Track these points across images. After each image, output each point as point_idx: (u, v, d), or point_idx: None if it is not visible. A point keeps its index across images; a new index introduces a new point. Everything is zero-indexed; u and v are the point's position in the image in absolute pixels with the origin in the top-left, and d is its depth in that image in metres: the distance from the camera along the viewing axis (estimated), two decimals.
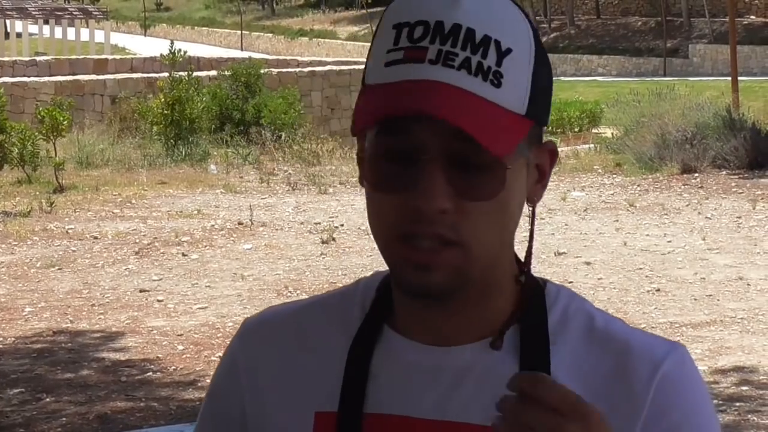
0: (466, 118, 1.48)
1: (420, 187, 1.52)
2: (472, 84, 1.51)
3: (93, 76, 32.44)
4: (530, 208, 1.65)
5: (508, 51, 1.53)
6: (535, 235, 1.67)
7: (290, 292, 12.03)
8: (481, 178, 1.54)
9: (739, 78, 26.08)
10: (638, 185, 19.34)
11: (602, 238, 15.01)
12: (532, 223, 1.66)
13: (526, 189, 1.62)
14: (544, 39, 55.87)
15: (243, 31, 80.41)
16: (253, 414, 1.78)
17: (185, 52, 27.06)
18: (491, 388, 1.62)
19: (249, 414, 1.78)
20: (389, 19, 1.57)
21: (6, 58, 43.27)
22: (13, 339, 10.62)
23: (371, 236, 1.59)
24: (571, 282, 12.20)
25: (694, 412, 1.66)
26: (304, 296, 11.69)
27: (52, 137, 20.49)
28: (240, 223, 16.10)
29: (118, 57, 44.87)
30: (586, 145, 25.21)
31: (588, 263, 13.43)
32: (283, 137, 24.87)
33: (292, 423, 1.73)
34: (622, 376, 1.66)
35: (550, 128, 30.98)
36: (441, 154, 1.53)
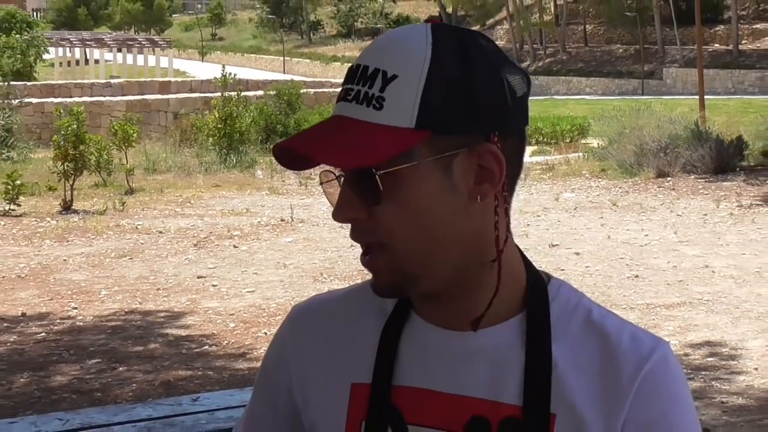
0: (323, 148, 1.58)
1: (337, 202, 1.62)
2: (358, 111, 1.57)
3: (158, 96, 32.55)
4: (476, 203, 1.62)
5: (393, 77, 1.57)
6: (508, 227, 1.65)
7: (325, 278, 12.05)
8: (366, 185, 1.58)
9: (706, 97, 26.10)
10: (620, 188, 19.32)
11: (589, 232, 14.99)
12: (497, 216, 1.63)
13: (461, 188, 1.61)
14: (540, 63, 56.72)
15: (285, 57, 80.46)
16: (298, 384, 1.80)
17: (235, 75, 27.12)
18: (500, 369, 1.66)
19: (295, 384, 1.80)
20: None
21: (85, 81, 43.38)
22: (91, 317, 10.64)
23: None
24: (563, 270, 12.21)
25: (674, 405, 1.66)
26: (337, 282, 11.94)
27: (123, 147, 20.55)
28: (282, 220, 16.11)
29: (179, 79, 44.91)
30: (576, 154, 25.16)
31: (577, 253, 13.40)
32: None
33: (331, 392, 1.75)
34: (612, 368, 1.65)
35: (545, 138, 31.07)
36: (347, 175, 1.61)
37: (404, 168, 1.55)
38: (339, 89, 1.63)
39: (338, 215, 1.61)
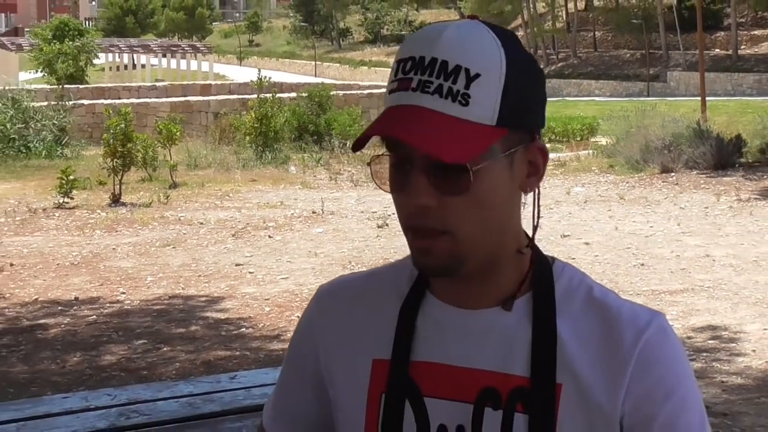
0: (428, 140, 1.53)
1: (409, 189, 1.58)
2: (443, 105, 1.55)
3: (199, 98, 32.57)
4: (532, 194, 1.66)
5: (477, 75, 1.55)
6: (540, 216, 1.67)
7: (353, 265, 12.04)
8: (451, 178, 1.56)
9: (707, 98, 26.02)
10: (627, 182, 19.27)
11: (598, 224, 14.96)
12: (536, 206, 1.67)
13: (516, 181, 1.63)
14: (552, 67, 56.41)
15: (316, 62, 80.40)
16: (324, 358, 1.81)
17: (270, 78, 27.09)
18: (509, 343, 1.67)
19: (321, 358, 1.81)
20: (396, 57, 1.62)
21: (133, 84, 43.47)
22: (138, 302, 10.68)
23: None
24: (573, 258, 12.16)
25: (673, 370, 1.66)
26: (364, 269, 11.74)
27: (167, 145, 20.56)
28: (313, 212, 16.11)
29: (219, 82, 44.93)
30: (586, 151, 25.08)
31: (587, 243, 13.37)
32: (347, 144, 24.88)
33: (354, 367, 1.76)
34: (613, 339, 1.66)
35: (557, 137, 31.00)
36: (423, 162, 1.56)
37: (488, 164, 1.56)
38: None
39: (413, 200, 1.58)
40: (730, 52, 58.15)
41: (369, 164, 1.66)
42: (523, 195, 1.66)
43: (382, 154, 1.62)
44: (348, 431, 1.78)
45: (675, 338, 1.69)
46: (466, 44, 1.58)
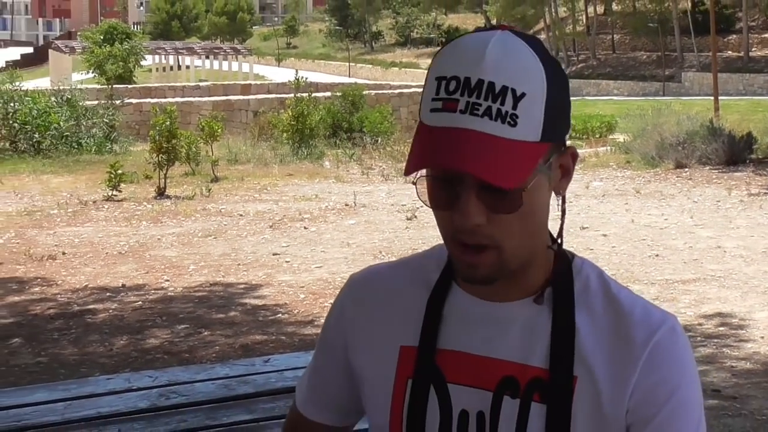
0: (485, 167, 1.50)
1: (459, 208, 1.55)
2: (493, 128, 1.51)
3: (240, 97, 32.66)
4: (558, 197, 1.66)
5: (522, 95, 1.52)
6: (566, 216, 1.67)
7: (383, 255, 12.03)
8: (505, 198, 1.54)
9: (719, 98, 25.90)
10: (643, 177, 19.17)
11: (615, 216, 14.89)
12: (563, 208, 1.66)
13: (552, 187, 1.62)
14: (573, 68, 56.28)
15: (350, 63, 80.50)
16: (353, 345, 1.82)
17: (306, 79, 27.17)
18: (531, 334, 1.67)
19: (350, 343, 1.82)
20: (433, 72, 1.57)
21: (178, 84, 43.60)
22: (181, 288, 10.70)
23: None
24: (591, 249, 12.14)
25: (679, 370, 1.65)
26: (394, 258, 11.81)
27: (209, 141, 20.63)
28: (346, 205, 16.10)
29: (258, 83, 45.01)
30: (605, 148, 25.05)
31: (605, 235, 13.30)
32: (379, 141, 24.91)
33: (382, 352, 1.76)
34: (625, 336, 1.65)
35: (577, 134, 30.91)
36: (473, 182, 1.53)
37: (536, 179, 1.55)
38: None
39: (466, 221, 1.55)
40: (741, 53, 58.00)
41: (414, 183, 1.62)
42: (565, 194, 1.66)
43: (428, 175, 1.58)
44: (375, 413, 1.78)
45: (684, 341, 1.68)
46: (510, 64, 1.54)
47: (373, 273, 1.87)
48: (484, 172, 1.49)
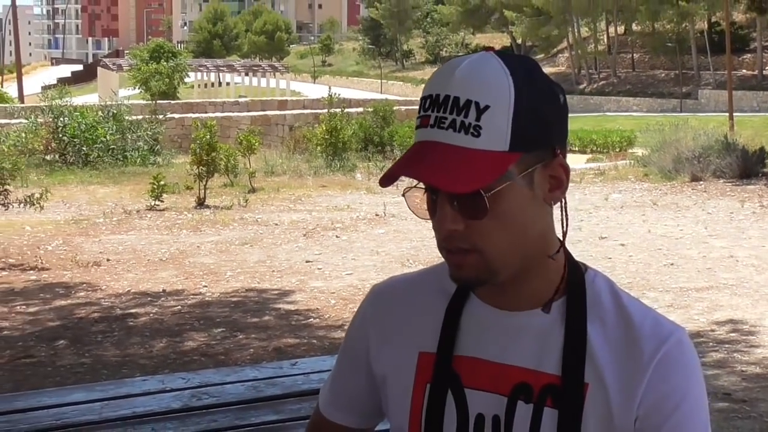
0: (442, 174, 1.54)
1: (438, 216, 1.59)
2: (457, 139, 1.54)
3: (277, 112, 32.76)
4: (557, 205, 1.65)
5: (486, 107, 1.54)
6: (568, 224, 1.66)
7: (411, 263, 12.02)
8: (471, 204, 1.56)
9: (734, 114, 25.80)
10: (660, 190, 19.09)
11: (633, 227, 14.83)
12: (563, 216, 1.66)
13: (539, 197, 1.62)
14: (594, 85, 56.40)
15: (382, 80, 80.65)
16: (375, 349, 1.83)
17: (340, 95, 27.24)
18: (542, 343, 1.68)
19: (372, 349, 1.83)
20: (422, 92, 1.61)
21: (218, 100, 43.81)
22: (218, 294, 10.72)
23: None
24: (610, 258, 12.11)
25: (686, 382, 1.65)
26: (420, 266, 11.83)
27: (247, 154, 20.67)
28: (377, 215, 16.11)
29: (294, 98, 45.16)
30: (624, 161, 24.95)
31: (623, 245, 13.24)
32: None
33: (402, 358, 1.76)
34: (635, 347, 1.65)
35: (598, 148, 30.82)
36: (445, 192, 1.58)
37: (504, 186, 1.55)
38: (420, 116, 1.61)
39: (442, 228, 1.59)
40: (756, 72, 57.70)
41: (403, 195, 1.65)
42: (565, 204, 1.65)
43: (414, 186, 1.63)
44: (395, 416, 1.79)
45: (692, 352, 1.68)
46: (475, 79, 1.56)
47: (394, 283, 1.88)
48: (440, 180, 1.54)
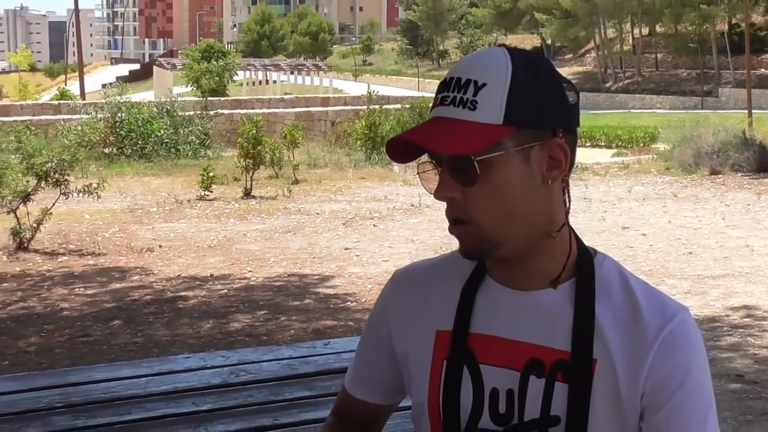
0: (437, 140, 1.58)
1: (438, 184, 1.63)
2: (456, 112, 1.59)
3: (320, 108, 32.75)
4: (548, 185, 1.64)
5: (483, 85, 1.58)
6: (570, 203, 1.68)
7: (443, 250, 11.91)
8: (463, 170, 1.59)
9: (753, 111, 25.56)
10: (680, 183, 18.95)
11: (654, 217, 14.73)
12: (565, 195, 1.67)
13: (537, 174, 1.62)
14: (620, 84, 56.11)
15: (419, 79, 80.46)
16: (395, 331, 1.83)
17: (378, 92, 27.23)
18: (553, 321, 1.67)
19: (393, 330, 1.83)
20: None
21: (265, 97, 43.83)
22: (262, 278, 10.75)
23: None
24: (631, 247, 12.03)
25: (689, 360, 1.64)
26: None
27: (291, 148, 20.72)
28: (412, 205, 16.09)
29: (336, 96, 45.14)
30: (647, 156, 24.82)
31: (644, 234, 13.15)
32: None
33: (421, 337, 1.77)
34: (640, 325, 1.64)
35: (623, 143, 30.63)
36: (447, 162, 1.61)
37: (496, 156, 1.56)
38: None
39: (439, 194, 1.61)
40: None
41: (418, 174, 1.69)
42: (566, 185, 1.66)
43: (425, 162, 1.66)
44: (416, 392, 1.79)
45: (695, 331, 1.67)
46: (477, 63, 1.62)
47: (414, 268, 1.89)
48: (435, 144, 1.58)
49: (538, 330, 1.67)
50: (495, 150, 1.56)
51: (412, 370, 1.80)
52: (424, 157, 1.65)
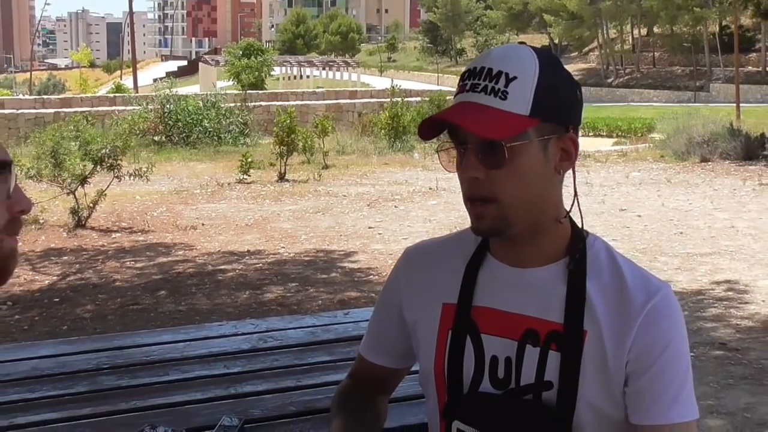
0: (475, 123, 1.56)
1: (464, 165, 1.61)
2: (487, 100, 1.57)
3: (348, 101, 32.73)
4: (559, 176, 1.66)
5: (514, 78, 1.57)
6: (577, 193, 1.69)
7: (458, 229, 11.93)
8: (493, 154, 1.58)
9: (741, 105, 25.41)
10: (673, 169, 18.83)
11: (649, 201, 14.64)
12: (574, 187, 1.69)
13: (551, 163, 1.63)
14: (620, 79, 55.79)
15: (438, 74, 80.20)
16: (406, 302, 1.85)
17: (401, 86, 27.19)
18: (548, 295, 1.68)
19: (404, 301, 1.85)
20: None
21: (299, 90, 43.85)
22: (293, 254, 10.75)
23: None
24: (628, 227, 11.96)
25: (670, 331, 1.64)
26: None
27: (322, 136, 20.71)
28: (430, 188, 16.07)
29: (363, 89, 45.08)
30: (644, 144, 24.73)
31: (639, 216, 13.07)
32: None
33: (428, 308, 1.79)
34: (626, 300, 1.64)
35: (623, 133, 30.47)
36: (474, 144, 1.59)
37: (522, 144, 1.57)
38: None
39: (465, 173, 1.61)
40: (760, 68, 56.86)
41: (437, 152, 1.71)
42: (561, 176, 1.66)
43: (445, 141, 1.67)
44: (424, 358, 1.81)
45: (676, 305, 1.67)
46: (507, 56, 1.61)
47: (423, 246, 1.91)
48: (473, 126, 1.56)
49: (534, 303, 1.67)
50: (522, 138, 1.57)
51: (420, 338, 1.81)
52: (445, 137, 1.66)
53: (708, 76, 59.13)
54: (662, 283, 1.67)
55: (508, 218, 1.61)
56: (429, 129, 1.64)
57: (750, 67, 57.46)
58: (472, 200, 1.64)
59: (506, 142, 1.56)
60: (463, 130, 1.60)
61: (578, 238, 1.70)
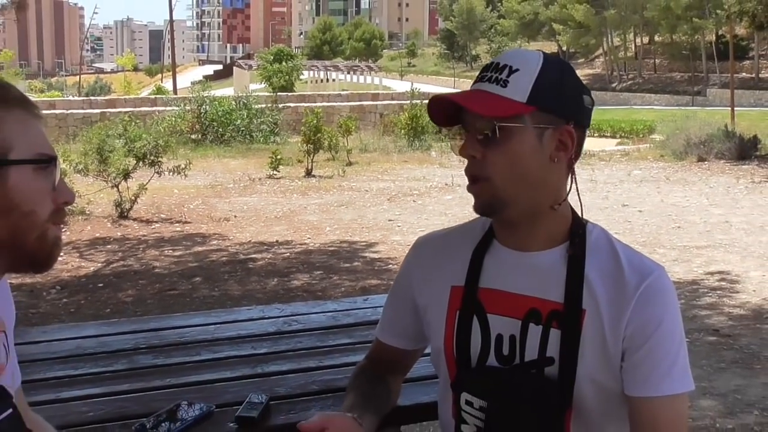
0: (470, 102, 1.61)
1: (464, 144, 1.65)
2: (490, 87, 1.62)
3: (371, 102, 32.70)
4: (555, 164, 1.66)
5: (516, 70, 1.62)
6: (575, 184, 1.69)
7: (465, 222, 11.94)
8: (487, 133, 1.61)
9: (735, 108, 25.24)
10: (672, 168, 18.69)
11: (649, 197, 14.55)
12: (572, 177, 1.69)
13: (546, 152, 1.63)
14: (624, 84, 55.56)
15: (455, 78, 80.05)
16: (417, 287, 1.86)
17: (420, 89, 27.14)
18: (549, 277, 1.68)
19: (415, 287, 1.86)
20: None
21: (325, 93, 43.84)
22: (318, 244, 10.76)
23: None
24: (629, 221, 11.89)
25: (664, 310, 1.64)
26: None
27: (346, 135, 20.73)
28: (446, 184, 16.03)
29: (385, 92, 45.01)
30: (645, 145, 24.60)
31: (640, 211, 13.00)
32: None
33: (438, 292, 1.80)
34: (623, 281, 1.65)
35: (625, 134, 30.30)
36: (473, 126, 1.63)
37: (515, 127, 1.59)
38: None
39: (463, 151, 1.64)
40: (753, 75, 56.54)
41: (450, 137, 1.73)
42: (572, 168, 1.67)
43: (455, 127, 1.69)
44: (434, 338, 1.82)
45: (669, 285, 1.67)
46: (516, 54, 1.66)
47: (433, 236, 1.91)
48: (470, 104, 1.61)
49: (537, 284, 1.67)
50: (515, 121, 1.59)
51: (431, 319, 1.82)
52: (457, 127, 1.69)
53: (705, 81, 58.81)
54: (656, 265, 1.67)
55: (501, 197, 1.62)
56: (441, 113, 1.67)
57: (744, 74, 57.10)
58: (470, 180, 1.66)
59: (498, 121, 1.59)
60: (470, 118, 1.63)
61: (578, 225, 1.71)
